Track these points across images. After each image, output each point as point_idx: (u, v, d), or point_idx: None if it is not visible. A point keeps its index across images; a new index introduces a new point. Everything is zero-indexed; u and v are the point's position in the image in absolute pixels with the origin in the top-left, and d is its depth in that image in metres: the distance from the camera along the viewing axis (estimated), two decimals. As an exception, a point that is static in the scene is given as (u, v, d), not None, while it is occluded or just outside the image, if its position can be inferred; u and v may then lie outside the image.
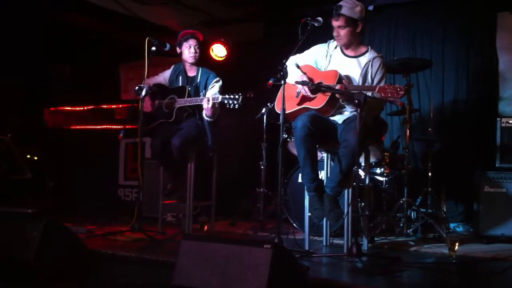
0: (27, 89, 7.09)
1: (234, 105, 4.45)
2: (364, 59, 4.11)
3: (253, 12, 7.13)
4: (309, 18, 4.00)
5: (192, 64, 5.04)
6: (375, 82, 4.02)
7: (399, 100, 3.76)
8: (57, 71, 7.63)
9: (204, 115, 4.77)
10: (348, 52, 4.18)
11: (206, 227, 5.26)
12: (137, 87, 4.75)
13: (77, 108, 7.42)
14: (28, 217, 3.95)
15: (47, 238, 3.47)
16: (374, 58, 4.08)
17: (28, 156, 6.70)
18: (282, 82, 3.90)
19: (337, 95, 3.92)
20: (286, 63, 4.02)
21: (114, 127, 6.92)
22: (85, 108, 7.36)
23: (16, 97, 6.86)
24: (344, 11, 4.00)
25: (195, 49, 4.99)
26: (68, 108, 7.45)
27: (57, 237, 3.56)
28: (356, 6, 4.03)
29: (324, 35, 4.28)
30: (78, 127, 7.26)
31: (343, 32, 4.05)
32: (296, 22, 4.00)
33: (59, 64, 7.62)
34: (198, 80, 5.02)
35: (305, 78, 4.05)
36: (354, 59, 4.14)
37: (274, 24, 7.20)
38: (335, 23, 4.05)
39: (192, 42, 4.99)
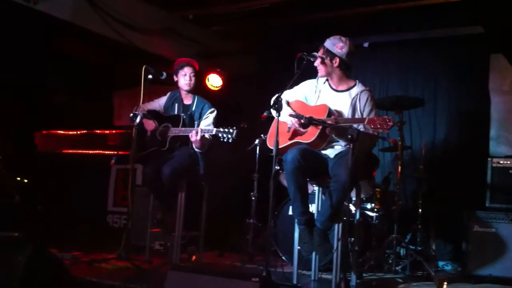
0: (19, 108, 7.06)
1: (228, 138, 4.44)
2: (352, 93, 4.16)
3: (249, 45, 7.22)
4: (305, 53, 4.05)
5: (187, 91, 5.08)
6: (364, 115, 4.06)
7: (388, 131, 3.79)
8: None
9: (194, 146, 4.78)
10: (336, 86, 4.23)
11: (194, 258, 5.20)
12: (132, 114, 4.75)
13: (69, 132, 7.39)
14: (14, 241, 3.89)
15: (32, 264, 3.42)
16: (361, 92, 4.14)
17: (18, 179, 6.64)
18: (276, 115, 3.92)
19: (327, 131, 3.94)
20: (281, 97, 4.06)
21: (106, 152, 6.88)
22: (78, 132, 7.33)
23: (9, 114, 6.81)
24: (326, 43, 4.15)
25: (190, 77, 5.03)
26: (61, 132, 7.41)
27: (42, 263, 3.51)
28: (339, 43, 4.11)
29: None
30: (70, 151, 7.21)
31: (320, 62, 4.15)
32: (292, 56, 4.04)
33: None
34: (193, 109, 5.05)
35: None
36: (342, 93, 4.19)
37: (270, 57, 7.28)
38: (318, 53, 4.16)
39: (187, 70, 5.04)
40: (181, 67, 5.05)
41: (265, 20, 6.57)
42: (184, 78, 5.03)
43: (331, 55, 4.12)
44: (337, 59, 4.12)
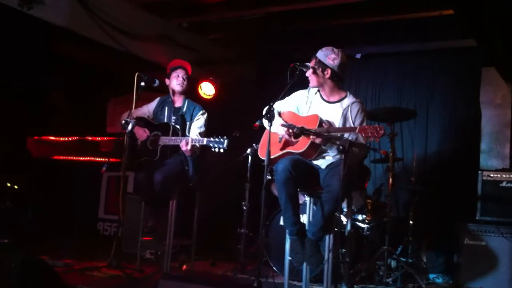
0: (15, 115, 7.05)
1: (219, 149, 4.44)
2: (343, 104, 4.17)
3: (244, 54, 7.24)
4: (297, 63, 4.06)
5: (179, 93, 5.09)
6: (356, 125, 4.07)
7: (379, 139, 3.78)
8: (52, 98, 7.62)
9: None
10: (327, 97, 4.24)
11: (184, 266, 5.18)
12: (123, 121, 4.73)
13: (61, 139, 7.38)
14: (6, 247, 3.87)
15: (24, 271, 3.39)
16: (353, 103, 4.15)
17: (9, 184, 6.61)
18: (268, 124, 3.92)
19: (317, 141, 3.94)
20: (274, 106, 4.06)
21: (98, 159, 6.87)
22: (70, 139, 7.32)
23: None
24: (318, 54, 4.15)
25: (183, 78, 5.06)
26: (53, 138, 7.40)
27: (34, 270, 3.49)
28: (331, 54, 4.12)
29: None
30: (61, 157, 7.19)
31: (312, 73, 4.15)
32: (287, 66, 4.05)
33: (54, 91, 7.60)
34: (184, 110, 5.05)
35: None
36: (333, 105, 4.19)
37: (265, 66, 7.31)
38: (310, 64, 4.17)
39: (180, 72, 5.07)
40: (174, 69, 5.09)
41: (261, 29, 6.60)
42: (177, 79, 5.06)
43: (323, 66, 4.13)
44: (329, 70, 4.13)
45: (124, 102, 7.16)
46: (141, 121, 4.99)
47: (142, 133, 4.92)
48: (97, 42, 5.74)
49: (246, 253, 5.58)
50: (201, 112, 5.03)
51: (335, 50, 4.15)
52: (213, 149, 4.46)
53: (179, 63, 5.15)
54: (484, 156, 5.85)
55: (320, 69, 4.14)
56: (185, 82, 5.08)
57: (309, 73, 4.17)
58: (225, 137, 4.43)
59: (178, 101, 5.13)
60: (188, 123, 5.00)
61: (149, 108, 5.19)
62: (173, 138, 4.77)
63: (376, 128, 3.71)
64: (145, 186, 4.73)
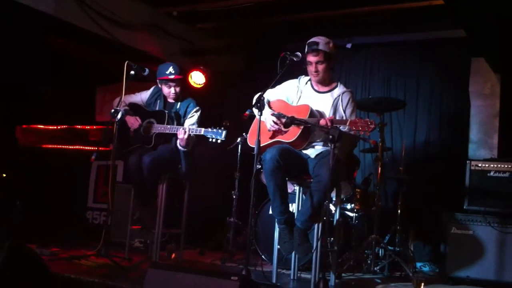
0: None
1: (217, 139, 4.41)
2: (333, 94, 4.18)
3: (234, 44, 7.22)
4: (288, 53, 4.04)
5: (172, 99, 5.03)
6: (347, 115, 4.08)
7: (370, 133, 3.80)
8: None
9: (178, 145, 4.72)
10: (318, 87, 4.24)
11: (173, 255, 5.19)
12: (113, 110, 4.68)
13: (50, 127, 7.32)
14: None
15: (11, 259, 3.38)
16: (343, 93, 4.16)
17: (-2, 173, 6.57)
18: (258, 114, 3.92)
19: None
20: (264, 95, 4.06)
21: (87, 148, 6.84)
22: (59, 127, 7.27)
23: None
24: (321, 46, 4.08)
25: (175, 90, 4.93)
26: (41, 126, 7.34)
27: (21, 259, 3.48)
28: (329, 42, 4.12)
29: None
30: (50, 146, 7.15)
31: (321, 67, 4.11)
32: (277, 56, 4.04)
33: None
34: (178, 107, 4.99)
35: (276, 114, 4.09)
36: (324, 94, 4.20)
37: (254, 56, 7.29)
38: (313, 59, 4.10)
39: (172, 83, 4.92)
40: (165, 82, 4.91)
41: (251, 19, 6.57)
42: (169, 91, 4.93)
43: (329, 56, 4.09)
44: (333, 60, 4.15)
45: (113, 90, 7.12)
46: (133, 109, 4.95)
47: (133, 122, 4.88)
48: (84, 30, 5.68)
49: (235, 242, 5.59)
50: (195, 109, 4.94)
51: (327, 38, 4.15)
52: (210, 139, 4.43)
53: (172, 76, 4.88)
54: (472, 146, 5.88)
55: (328, 60, 4.12)
56: (177, 93, 4.94)
57: (323, 68, 4.12)
58: (222, 128, 4.40)
59: None
60: (181, 120, 4.94)
61: (142, 97, 5.13)
62: (168, 126, 4.73)
63: (367, 122, 3.72)
64: (135, 170, 4.70)
